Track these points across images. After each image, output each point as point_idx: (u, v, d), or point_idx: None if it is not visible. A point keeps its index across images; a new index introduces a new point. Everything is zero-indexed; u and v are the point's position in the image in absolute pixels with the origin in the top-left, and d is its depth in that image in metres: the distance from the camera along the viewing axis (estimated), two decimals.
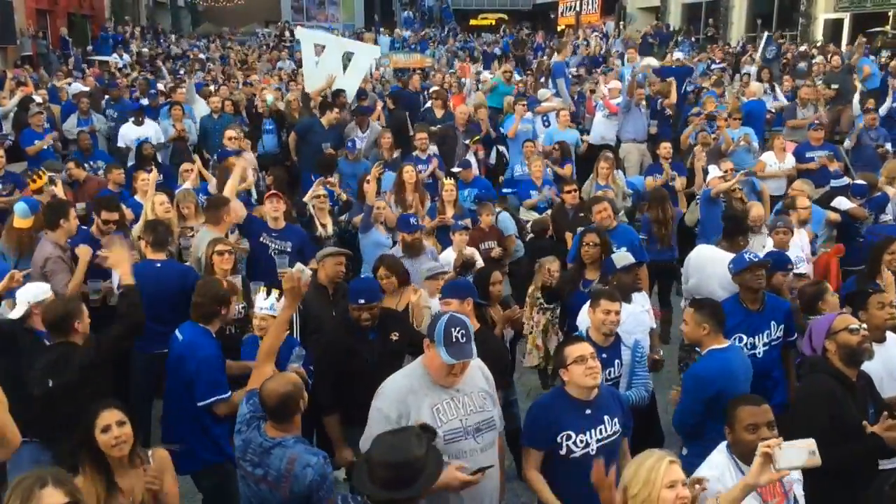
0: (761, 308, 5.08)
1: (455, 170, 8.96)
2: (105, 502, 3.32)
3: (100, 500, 3.32)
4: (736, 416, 3.32)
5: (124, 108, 12.10)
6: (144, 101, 12.78)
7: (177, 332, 4.73)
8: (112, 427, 3.37)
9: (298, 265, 4.38)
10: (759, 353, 4.98)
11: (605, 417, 3.77)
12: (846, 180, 8.83)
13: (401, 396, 3.40)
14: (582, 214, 7.82)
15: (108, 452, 3.37)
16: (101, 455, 3.38)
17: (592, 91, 13.27)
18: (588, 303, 4.77)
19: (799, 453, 2.70)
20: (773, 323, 5.06)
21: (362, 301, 4.60)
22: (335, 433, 4.67)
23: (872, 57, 16.08)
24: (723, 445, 3.40)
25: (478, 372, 3.63)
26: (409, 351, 4.61)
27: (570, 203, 8.06)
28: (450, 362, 3.35)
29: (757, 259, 5.13)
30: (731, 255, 5.66)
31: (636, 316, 5.29)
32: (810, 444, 2.72)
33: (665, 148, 9.42)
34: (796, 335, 5.20)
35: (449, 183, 8.20)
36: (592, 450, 3.70)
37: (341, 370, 4.60)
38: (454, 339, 3.34)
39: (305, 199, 7.77)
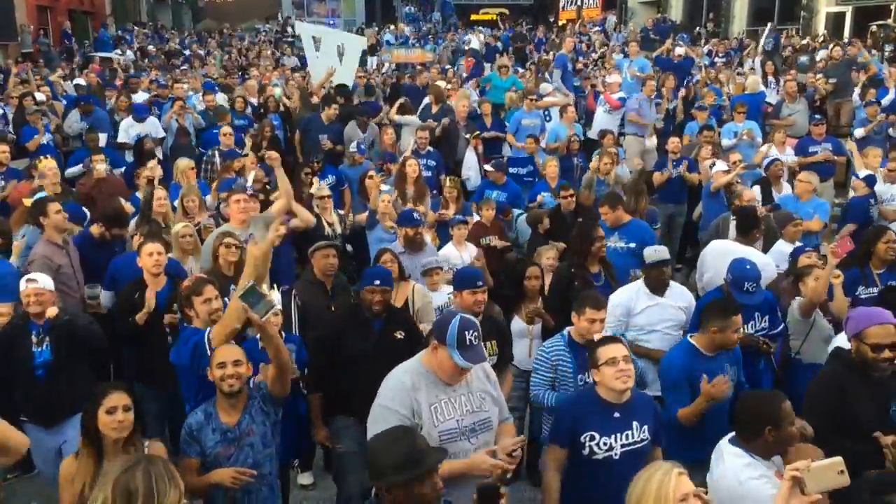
0: None
1: (488, 168, 8.91)
2: (90, 485, 3.37)
3: (87, 482, 3.39)
4: (781, 413, 3.26)
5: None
6: (143, 97, 12.75)
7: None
8: (118, 410, 3.46)
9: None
10: None
11: (635, 423, 3.74)
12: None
13: (406, 393, 3.37)
14: (580, 219, 7.73)
15: (107, 433, 3.45)
16: (99, 436, 3.46)
17: (593, 86, 13.22)
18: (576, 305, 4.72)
19: (828, 475, 2.64)
20: (757, 314, 5.20)
21: (377, 283, 4.64)
22: (314, 412, 4.82)
23: (874, 52, 15.97)
24: (727, 444, 3.33)
25: (479, 370, 3.57)
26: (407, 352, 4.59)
27: (565, 209, 7.77)
28: (466, 366, 3.33)
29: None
30: (746, 249, 5.85)
31: (664, 310, 5.34)
32: (838, 463, 2.65)
33: (673, 143, 9.42)
34: (783, 325, 5.34)
35: (452, 180, 8.18)
36: (616, 454, 3.67)
37: (335, 356, 4.62)
38: (468, 343, 3.32)
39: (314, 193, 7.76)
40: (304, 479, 5.67)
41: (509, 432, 3.64)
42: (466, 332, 3.32)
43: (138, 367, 5.49)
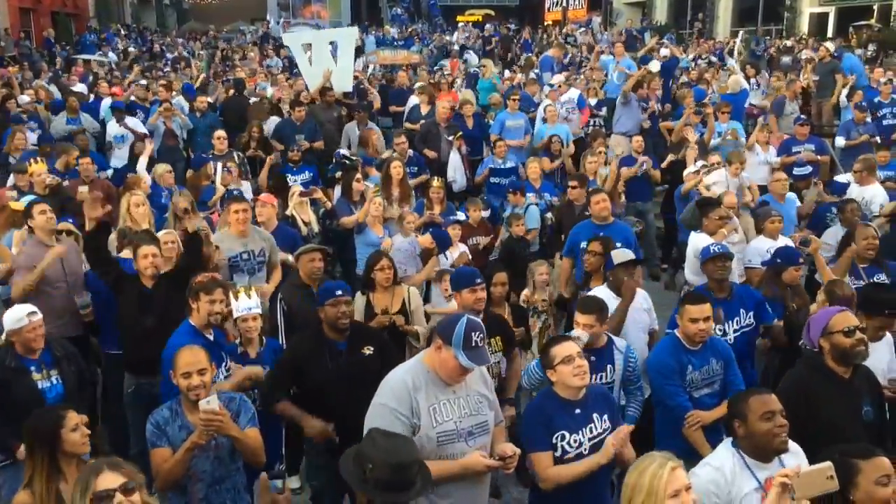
0: (729, 296, 5.27)
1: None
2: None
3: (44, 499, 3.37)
4: (748, 407, 3.24)
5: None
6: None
7: None
8: (80, 427, 3.48)
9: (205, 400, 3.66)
10: (731, 338, 5.12)
11: (595, 416, 3.75)
12: (809, 169, 8.92)
13: (406, 392, 3.35)
14: (588, 213, 7.77)
15: (77, 451, 3.47)
16: (56, 460, 3.43)
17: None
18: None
19: (817, 480, 2.59)
20: (742, 310, 5.23)
21: (339, 293, 4.42)
22: (294, 412, 4.39)
23: (859, 51, 16.09)
24: (728, 442, 3.34)
25: (477, 374, 3.57)
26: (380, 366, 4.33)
27: (576, 199, 7.79)
28: (470, 366, 3.33)
29: (720, 251, 5.32)
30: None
31: (633, 313, 5.25)
32: (827, 468, 2.60)
33: (637, 141, 9.65)
34: (776, 320, 5.36)
35: (439, 181, 8.18)
36: (585, 449, 3.67)
37: (303, 380, 4.37)
38: (474, 344, 3.32)
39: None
40: (291, 482, 5.64)
41: (501, 434, 3.67)
42: (473, 334, 3.31)
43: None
